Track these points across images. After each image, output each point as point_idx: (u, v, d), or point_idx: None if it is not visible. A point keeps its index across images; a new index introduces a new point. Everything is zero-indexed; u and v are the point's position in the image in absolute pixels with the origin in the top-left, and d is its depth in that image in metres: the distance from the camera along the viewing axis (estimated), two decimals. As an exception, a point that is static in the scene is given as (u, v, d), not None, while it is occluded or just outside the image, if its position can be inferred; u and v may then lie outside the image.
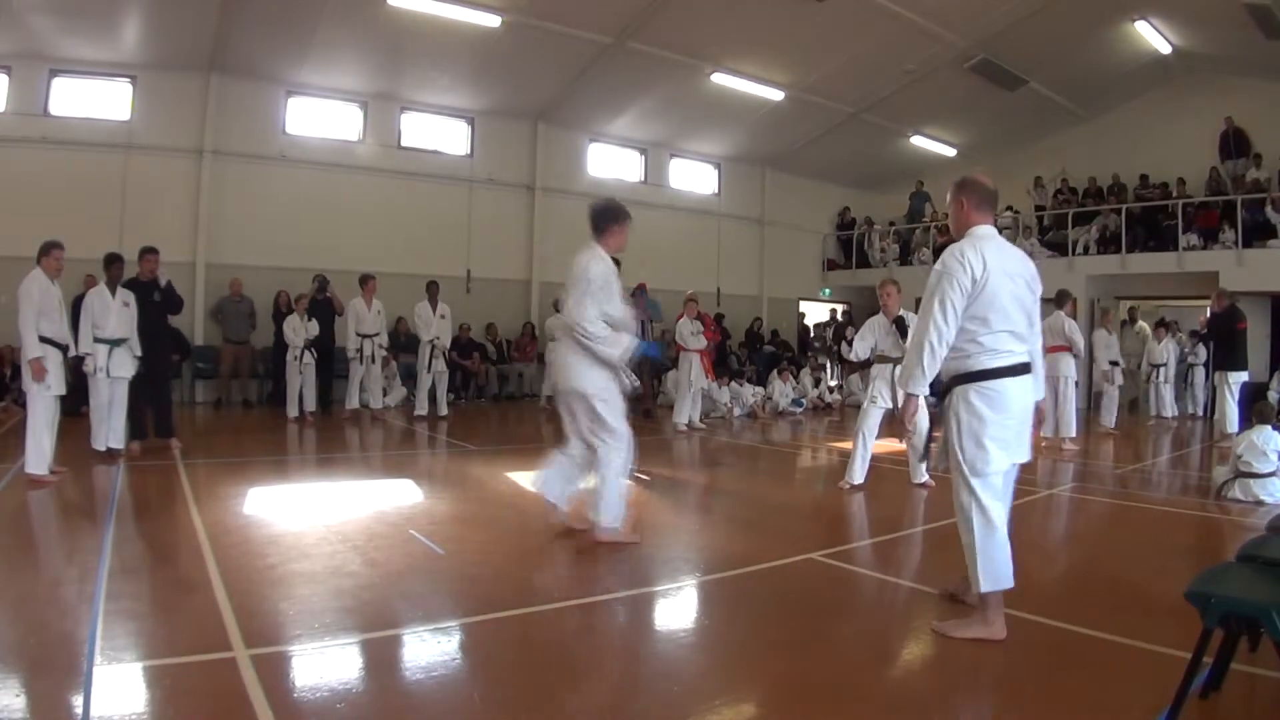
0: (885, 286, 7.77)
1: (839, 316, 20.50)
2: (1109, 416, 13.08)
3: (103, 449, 8.21)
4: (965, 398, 3.82)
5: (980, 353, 3.79)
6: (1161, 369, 13.18)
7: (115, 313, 8.17)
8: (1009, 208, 19.92)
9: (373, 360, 12.65)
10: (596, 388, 5.42)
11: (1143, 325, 16.27)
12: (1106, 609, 4.33)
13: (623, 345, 5.43)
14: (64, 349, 7.52)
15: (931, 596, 4.54)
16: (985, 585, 3.75)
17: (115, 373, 8.15)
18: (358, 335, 12.48)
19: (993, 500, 3.79)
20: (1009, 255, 3.92)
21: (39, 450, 7.01)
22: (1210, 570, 3.18)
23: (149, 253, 8.89)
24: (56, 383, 7.27)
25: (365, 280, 12.71)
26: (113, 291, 8.25)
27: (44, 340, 7.16)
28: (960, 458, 3.82)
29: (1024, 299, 3.88)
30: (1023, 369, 3.84)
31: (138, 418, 8.77)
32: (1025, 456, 3.93)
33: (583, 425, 5.52)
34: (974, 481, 3.79)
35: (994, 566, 3.75)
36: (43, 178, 12.92)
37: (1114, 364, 13.15)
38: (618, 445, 5.45)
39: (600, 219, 5.57)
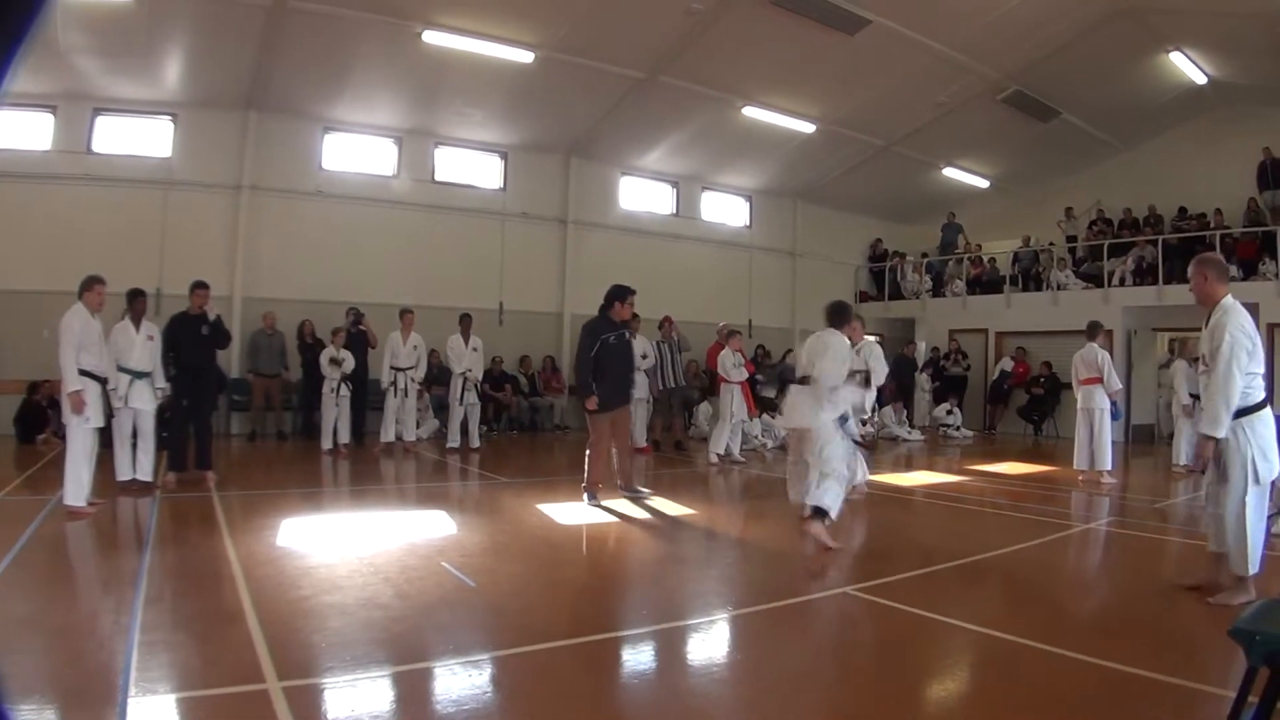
0: (852, 322, 8.26)
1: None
2: (1184, 453, 11.84)
3: (126, 479, 8.28)
4: (1252, 424, 4.90)
5: (1252, 391, 4.95)
6: (1197, 401, 12.83)
7: (139, 346, 8.28)
8: (1050, 243, 19.83)
9: (405, 393, 12.70)
10: (827, 431, 6.63)
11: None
12: (1148, 646, 4.24)
13: (861, 396, 7.52)
14: (103, 382, 7.65)
15: (967, 631, 4.48)
16: (1253, 569, 4.82)
17: (133, 403, 8.23)
18: (391, 369, 12.54)
19: (1262, 502, 4.91)
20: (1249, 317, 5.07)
21: (77, 482, 7.10)
22: (1255, 607, 3.11)
23: (200, 287, 9.03)
24: (95, 415, 7.38)
25: (403, 314, 12.82)
26: (136, 326, 8.37)
27: (84, 373, 7.28)
28: (1251, 470, 4.84)
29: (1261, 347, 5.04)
30: (1269, 400, 5.01)
31: (178, 449, 8.87)
32: None
33: (808, 453, 6.72)
34: (1255, 489, 4.85)
35: (1257, 554, 4.84)
36: (85, 214, 13.20)
37: (1195, 397, 12.50)
38: (837, 475, 6.54)
39: (840, 316, 7.19)
